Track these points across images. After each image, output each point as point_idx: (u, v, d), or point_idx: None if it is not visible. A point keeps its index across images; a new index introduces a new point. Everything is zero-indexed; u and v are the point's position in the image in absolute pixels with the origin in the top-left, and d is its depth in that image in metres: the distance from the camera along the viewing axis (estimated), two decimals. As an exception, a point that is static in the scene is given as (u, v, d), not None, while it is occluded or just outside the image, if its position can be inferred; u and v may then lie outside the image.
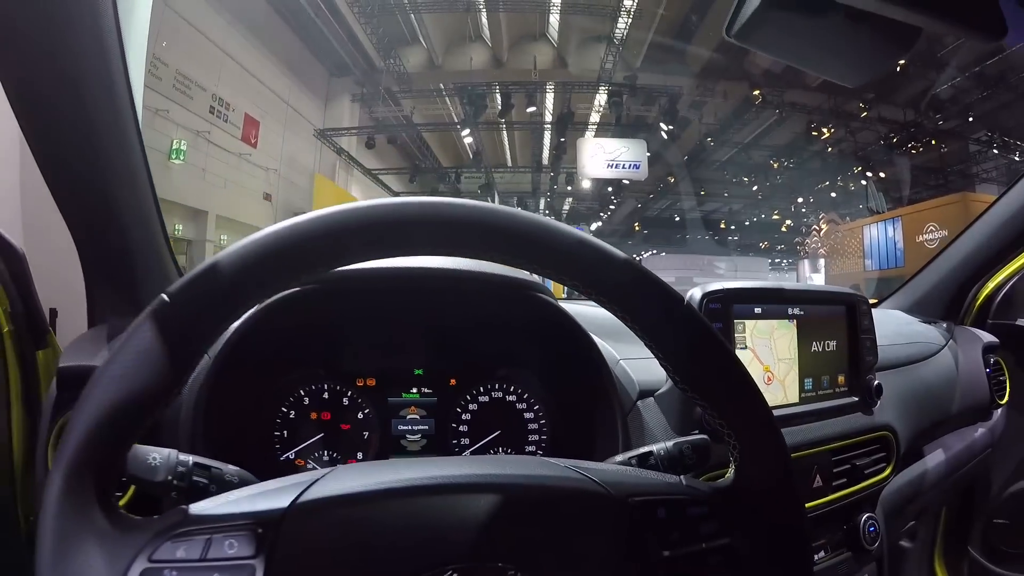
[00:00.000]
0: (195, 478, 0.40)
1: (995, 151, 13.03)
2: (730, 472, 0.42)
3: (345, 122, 15.80)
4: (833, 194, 16.56)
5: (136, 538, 0.33)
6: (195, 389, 0.60)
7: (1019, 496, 1.18)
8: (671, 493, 0.40)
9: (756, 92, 12.14)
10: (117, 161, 0.68)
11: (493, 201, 19.75)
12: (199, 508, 0.35)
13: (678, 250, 23.30)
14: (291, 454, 0.71)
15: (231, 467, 0.43)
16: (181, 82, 9.06)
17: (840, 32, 0.50)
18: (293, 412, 0.71)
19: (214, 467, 0.42)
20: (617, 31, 12.39)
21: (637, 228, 22.06)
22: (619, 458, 0.49)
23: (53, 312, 0.78)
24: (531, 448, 0.73)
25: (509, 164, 21.12)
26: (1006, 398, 1.11)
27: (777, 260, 23.71)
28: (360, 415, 0.73)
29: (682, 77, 13.81)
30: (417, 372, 0.75)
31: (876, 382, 0.85)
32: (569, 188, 18.28)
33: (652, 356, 0.40)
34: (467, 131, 14.54)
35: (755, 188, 17.01)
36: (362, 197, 16.66)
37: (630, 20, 12.02)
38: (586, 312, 0.70)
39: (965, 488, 1.14)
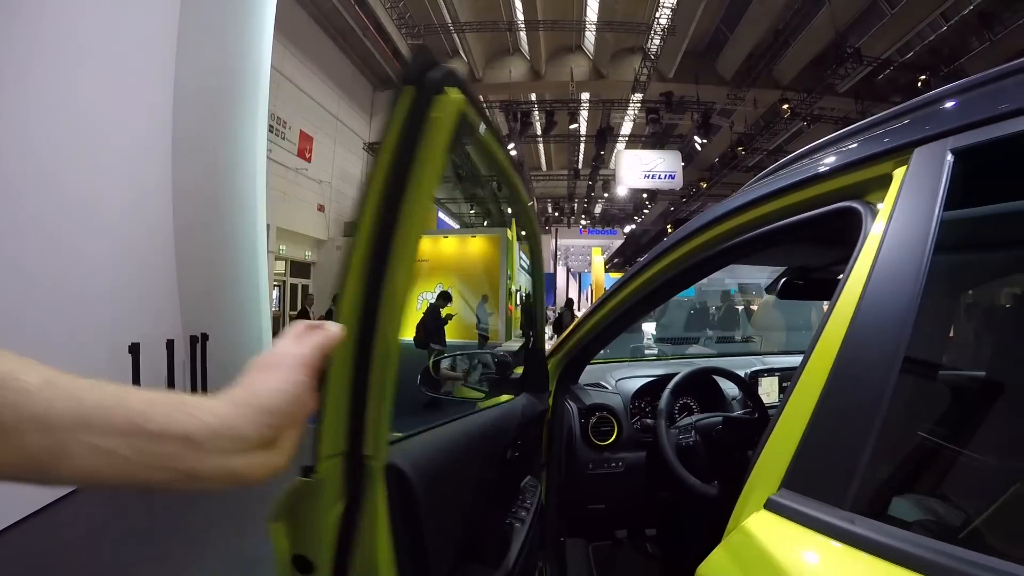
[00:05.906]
0: None
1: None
2: None
3: (390, 134, 16.39)
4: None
5: None
6: None
7: None
8: None
9: (785, 107, 12.57)
10: None
11: (533, 206, 20.30)
12: None
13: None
14: None
15: None
16: (242, 104, 9.49)
17: None
18: None
19: None
20: (652, 45, 12.92)
21: (670, 230, 22.49)
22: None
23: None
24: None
25: (544, 169, 21.58)
26: None
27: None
28: None
29: (714, 86, 14.28)
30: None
31: None
32: (605, 195, 18.86)
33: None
34: (512, 145, 15.03)
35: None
36: (408, 205, 17.37)
37: (665, 35, 12.55)
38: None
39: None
